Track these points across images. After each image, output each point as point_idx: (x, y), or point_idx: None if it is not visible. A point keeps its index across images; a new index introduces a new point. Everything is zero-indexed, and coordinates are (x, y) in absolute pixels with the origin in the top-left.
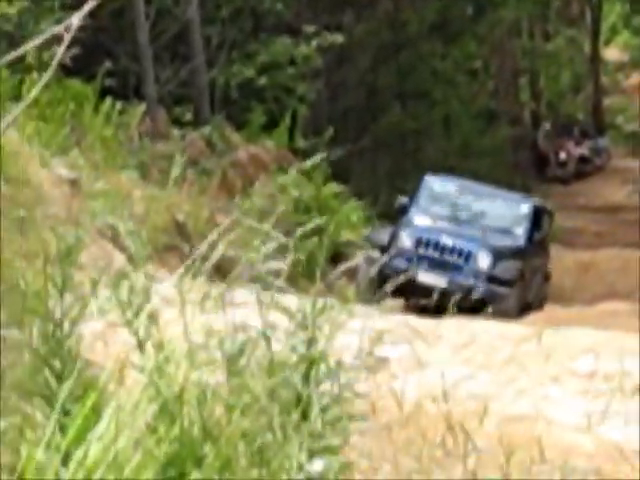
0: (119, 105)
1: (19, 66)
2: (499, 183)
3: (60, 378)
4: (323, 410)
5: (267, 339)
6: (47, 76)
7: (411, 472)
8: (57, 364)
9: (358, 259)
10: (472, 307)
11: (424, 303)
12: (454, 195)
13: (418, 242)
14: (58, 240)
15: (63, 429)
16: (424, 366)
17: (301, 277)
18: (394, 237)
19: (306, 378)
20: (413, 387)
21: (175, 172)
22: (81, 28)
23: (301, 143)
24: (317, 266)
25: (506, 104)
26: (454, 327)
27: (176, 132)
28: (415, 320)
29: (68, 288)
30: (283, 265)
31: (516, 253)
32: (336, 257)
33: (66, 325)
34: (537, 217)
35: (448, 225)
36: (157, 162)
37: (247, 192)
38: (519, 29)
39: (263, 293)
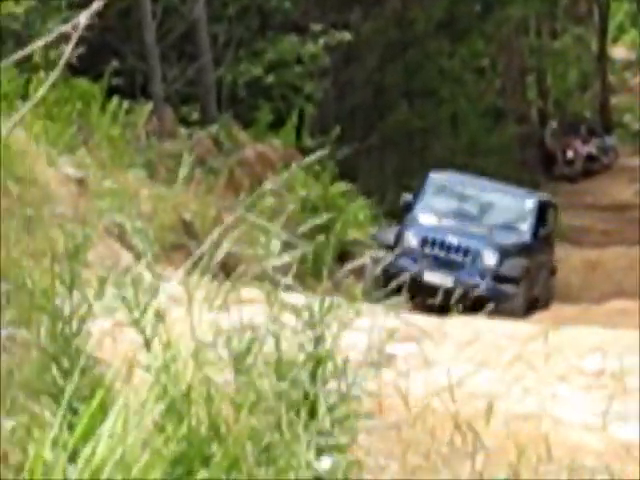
0: (126, 104)
1: (26, 65)
2: (506, 181)
3: (68, 376)
4: (330, 408)
5: (275, 338)
6: (54, 75)
7: (418, 471)
8: (65, 362)
9: (365, 258)
10: (473, 305)
11: (430, 302)
12: (459, 191)
13: (424, 241)
14: (66, 238)
15: (71, 428)
16: (431, 365)
17: (308, 276)
18: (399, 236)
19: (313, 376)
20: (420, 385)
21: (184, 171)
22: (88, 27)
23: (308, 142)
24: (324, 265)
25: (513, 102)
26: (460, 325)
27: (183, 131)
28: (421, 319)
29: (76, 286)
30: (289, 260)
31: (522, 250)
32: (343, 256)
33: (74, 323)
34: (542, 212)
35: (453, 223)
36: (164, 161)
37: (253, 190)
38: (527, 27)
39: (271, 291)
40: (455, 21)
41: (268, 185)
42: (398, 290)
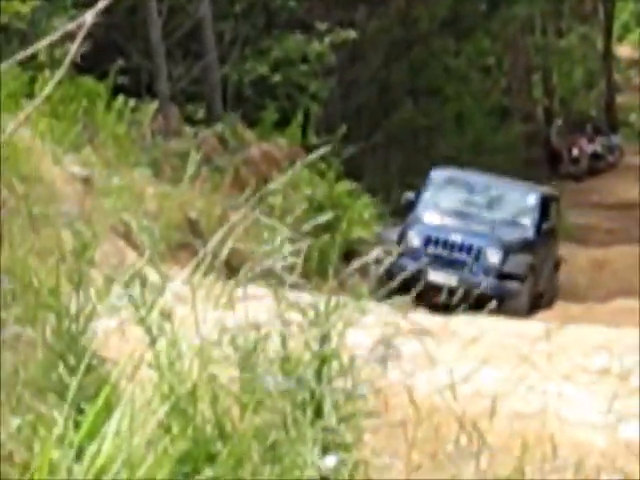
0: (131, 102)
1: (31, 64)
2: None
3: (74, 374)
4: (336, 407)
5: (281, 336)
6: (60, 73)
7: (424, 469)
8: (71, 360)
9: (371, 256)
10: (477, 304)
11: (435, 301)
12: (461, 188)
13: (427, 241)
14: (74, 237)
15: (77, 426)
16: (436, 363)
17: (314, 274)
18: (402, 236)
19: (319, 375)
20: (425, 384)
21: (190, 170)
22: (94, 25)
23: (314, 140)
24: (330, 263)
25: (519, 101)
26: (465, 324)
27: (189, 129)
28: (426, 317)
29: (83, 285)
30: (294, 256)
31: (525, 246)
32: (349, 254)
33: (81, 321)
34: (545, 206)
35: (456, 221)
36: (170, 159)
37: (259, 189)
38: (532, 26)
39: (277, 289)
40: (460, 19)
41: (273, 185)
42: (402, 289)
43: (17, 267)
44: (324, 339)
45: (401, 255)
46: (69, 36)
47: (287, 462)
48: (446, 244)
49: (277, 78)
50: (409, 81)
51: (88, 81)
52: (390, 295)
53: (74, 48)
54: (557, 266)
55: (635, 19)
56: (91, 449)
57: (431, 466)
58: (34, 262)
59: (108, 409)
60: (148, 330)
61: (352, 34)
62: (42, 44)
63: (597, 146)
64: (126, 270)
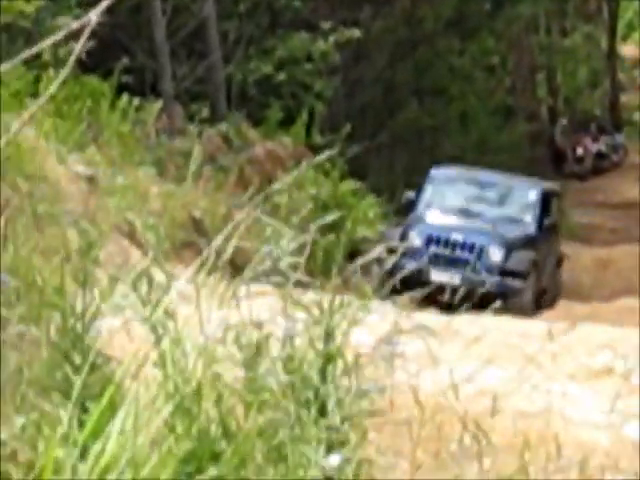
0: (136, 102)
1: (36, 63)
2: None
3: (80, 373)
4: (340, 406)
5: (285, 335)
6: (65, 72)
7: (428, 469)
8: (76, 359)
9: (374, 254)
10: (481, 302)
11: (438, 300)
12: (461, 186)
13: (428, 240)
14: (79, 236)
15: (81, 425)
16: (439, 363)
17: (319, 273)
18: (404, 236)
19: (323, 374)
20: (429, 383)
21: (192, 168)
22: (98, 25)
23: (318, 139)
24: (334, 262)
25: (523, 100)
26: (468, 323)
27: (193, 129)
28: (429, 316)
29: (88, 284)
30: (298, 255)
31: (527, 242)
32: (353, 254)
33: (86, 320)
34: (546, 202)
35: (457, 219)
36: (174, 159)
37: (263, 188)
38: (536, 25)
39: (282, 287)
40: (465, 19)
41: (279, 184)
42: (405, 288)
43: (21, 266)
44: (328, 338)
45: (403, 255)
46: (73, 35)
47: (291, 461)
48: (448, 243)
49: (281, 77)
50: (414, 80)
51: (92, 80)
52: (393, 294)
53: (78, 47)
54: (560, 262)
55: (639, 18)
56: (95, 448)
57: (435, 465)
58: (38, 261)
59: (112, 408)
60: (153, 329)
61: (357, 33)
62: (46, 43)
63: (601, 145)
64: (131, 269)
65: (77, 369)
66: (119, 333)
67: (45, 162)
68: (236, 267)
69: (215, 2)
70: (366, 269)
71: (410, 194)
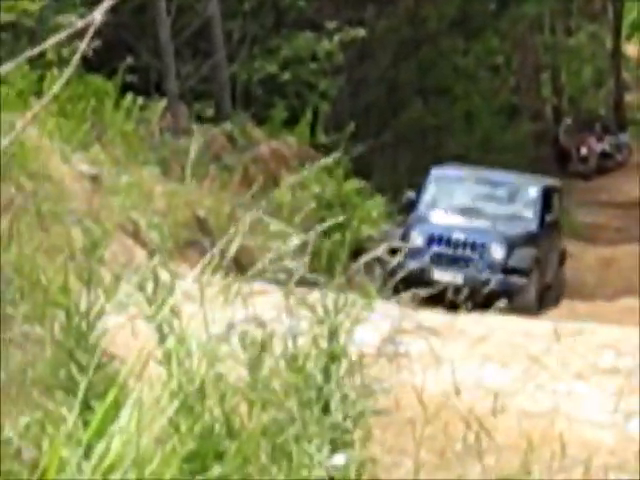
0: (140, 101)
1: (40, 62)
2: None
3: (84, 371)
4: (344, 404)
5: (289, 334)
6: (69, 71)
7: (432, 468)
8: (81, 358)
9: (377, 253)
10: (484, 301)
11: (442, 299)
12: (461, 185)
13: (430, 240)
14: (83, 235)
15: (85, 424)
16: (443, 362)
17: (323, 272)
18: (405, 236)
19: (327, 373)
20: (433, 382)
21: (190, 165)
22: (102, 24)
23: (323, 139)
24: (338, 261)
25: (528, 100)
26: (472, 323)
27: (197, 127)
28: (433, 316)
29: (92, 282)
30: (302, 262)
31: (529, 239)
32: (357, 253)
33: (90, 319)
34: (547, 198)
35: (458, 218)
36: (178, 158)
37: (267, 187)
38: (541, 25)
39: (285, 287)
40: (469, 19)
41: (285, 185)
42: (408, 288)
43: (26, 265)
44: (332, 337)
45: (405, 254)
46: (77, 34)
47: (295, 460)
48: (449, 242)
49: (286, 76)
50: (418, 80)
51: (97, 79)
52: (396, 294)
53: (83, 46)
54: (563, 259)
55: None
56: (100, 447)
57: (439, 464)
58: (43, 260)
59: (117, 407)
60: (158, 328)
61: (361, 33)
62: (50, 42)
63: (606, 145)
64: (135, 268)
65: (81, 368)
66: (122, 331)
67: (49, 161)
68: (241, 265)
69: (219, 1)
70: (369, 268)
71: (411, 194)
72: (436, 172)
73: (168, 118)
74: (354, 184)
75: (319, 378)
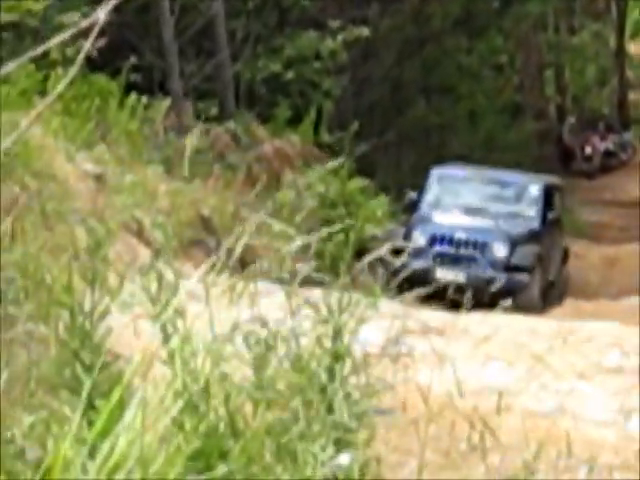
0: (144, 100)
1: (43, 61)
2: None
3: (89, 371)
4: (349, 404)
5: (293, 334)
6: (73, 71)
7: (437, 467)
8: (85, 357)
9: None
10: (490, 301)
11: (445, 298)
12: (463, 184)
13: (432, 239)
14: (87, 234)
15: (90, 423)
16: (449, 361)
17: (327, 271)
18: (407, 236)
19: (331, 372)
20: (438, 382)
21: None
22: (106, 23)
23: (326, 138)
24: (342, 260)
25: (531, 98)
26: (477, 321)
27: (201, 126)
28: (438, 315)
29: (96, 282)
30: (307, 264)
31: (532, 237)
32: (361, 252)
33: (94, 318)
34: (548, 196)
35: (460, 217)
36: (182, 157)
37: (271, 186)
38: (544, 23)
39: (289, 286)
40: (473, 17)
41: (288, 186)
42: (411, 287)
43: (30, 264)
44: (336, 336)
45: (408, 254)
46: (81, 34)
47: (300, 460)
48: (452, 241)
49: (290, 75)
50: (422, 79)
51: (101, 79)
52: (399, 293)
53: (87, 46)
54: (565, 257)
55: None
56: (104, 447)
57: (444, 464)
58: (47, 259)
59: (121, 407)
60: (162, 327)
61: (365, 32)
62: (55, 42)
63: (609, 143)
64: (140, 267)
65: (86, 367)
66: (127, 330)
67: (53, 160)
68: (246, 265)
69: (223, 1)
70: (373, 268)
71: (412, 194)
72: (437, 172)
73: (172, 117)
74: (358, 183)
75: (323, 378)
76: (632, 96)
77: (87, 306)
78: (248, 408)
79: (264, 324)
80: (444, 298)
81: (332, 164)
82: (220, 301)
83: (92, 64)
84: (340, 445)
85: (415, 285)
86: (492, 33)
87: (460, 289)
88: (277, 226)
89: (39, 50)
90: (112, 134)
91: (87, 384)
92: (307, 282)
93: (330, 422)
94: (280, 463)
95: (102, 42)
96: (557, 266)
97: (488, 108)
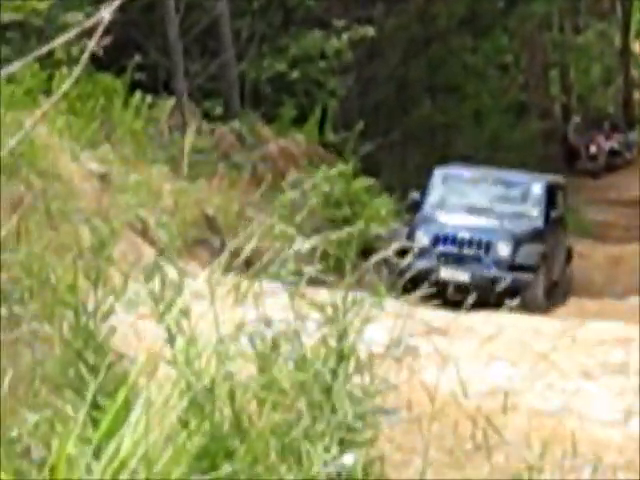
0: (149, 99)
1: (48, 61)
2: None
3: (93, 371)
4: (353, 403)
5: (298, 333)
6: (78, 70)
7: (442, 466)
8: (89, 357)
9: (385, 255)
10: (497, 300)
11: (450, 298)
12: (465, 184)
13: (435, 239)
14: (92, 233)
15: (95, 423)
16: (453, 360)
17: (332, 270)
18: (410, 236)
19: (336, 372)
20: (442, 381)
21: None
22: (111, 22)
23: (331, 137)
24: (347, 260)
25: (536, 98)
26: (483, 321)
27: (204, 125)
28: (443, 314)
29: (101, 281)
30: (313, 265)
31: (535, 236)
32: (366, 251)
33: (99, 318)
34: (551, 195)
35: (463, 217)
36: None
37: (276, 185)
38: (550, 23)
39: (294, 286)
40: (478, 17)
41: (293, 185)
42: (415, 287)
43: (35, 263)
44: (341, 335)
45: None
46: (86, 33)
47: (304, 459)
48: (455, 241)
49: (295, 75)
50: (427, 78)
51: (105, 78)
52: (405, 293)
53: (92, 45)
54: (569, 256)
55: None
56: (110, 447)
57: (449, 462)
58: (52, 258)
59: (126, 406)
60: (166, 327)
61: (370, 31)
62: (59, 41)
63: (614, 143)
64: (144, 267)
65: (89, 367)
66: (131, 330)
67: (58, 159)
68: (251, 264)
69: (228, 0)
70: (377, 267)
71: (415, 195)
72: (439, 172)
73: (177, 116)
74: (363, 182)
75: (328, 377)
76: (637, 95)
77: (91, 306)
78: (253, 407)
79: (269, 324)
80: (445, 297)
81: (339, 168)
82: (225, 301)
83: (97, 63)
84: (344, 445)
85: (419, 285)
86: (497, 33)
87: (461, 288)
88: (281, 227)
89: (44, 49)
90: (117, 133)
91: (91, 384)
92: (313, 282)
93: (334, 422)
94: (284, 463)
95: (107, 41)
96: (561, 265)
97: (493, 107)
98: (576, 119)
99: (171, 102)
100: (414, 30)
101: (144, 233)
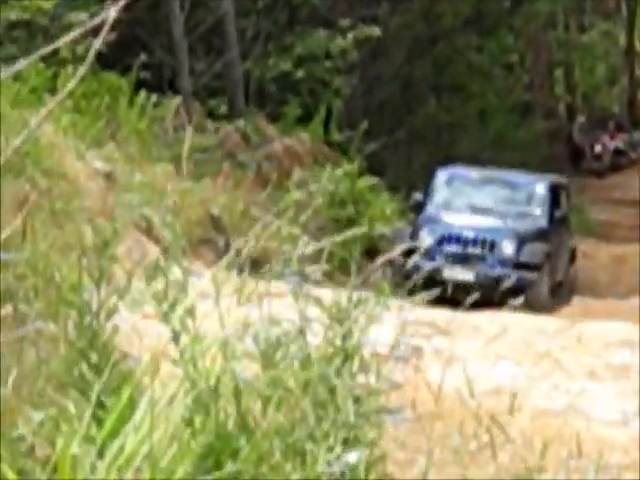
0: (154, 98)
1: (54, 59)
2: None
3: (97, 370)
4: (358, 403)
5: (303, 333)
6: (83, 69)
7: (446, 465)
8: (93, 356)
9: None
10: (500, 299)
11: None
12: (468, 184)
13: (440, 239)
14: (95, 232)
15: (99, 422)
16: (457, 359)
17: (336, 271)
18: (414, 236)
19: (340, 371)
20: (447, 381)
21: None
22: (116, 21)
23: (336, 136)
24: (352, 259)
25: (541, 97)
26: (487, 320)
27: (210, 124)
28: (447, 314)
29: (105, 280)
30: (318, 257)
31: (539, 235)
32: (370, 251)
33: (102, 317)
34: (555, 195)
35: (467, 217)
36: (192, 155)
37: (281, 184)
38: (555, 22)
39: (299, 286)
40: (483, 16)
41: (298, 185)
42: (420, 287)
43: (40, 262)
44: (346, 335)
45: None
46: (91, 32)
47: (309, 458)
48: (459, 240)
49: (300, 74)
50: (432, 77)
51: (111, 76)
52: (410, 293)
53: (97, 43)
54: (573, 256)
55: None
56: (114, 446)
57: (453, 462)
58: (56, 257)
59: (131, 405)
60: (171, 325)
61: (375, 30)
62: (65, 40)
63: (619, 142)
64: (148, 266)
65: (93, 366)
66: (137, 329)
67: (63, 158)
68: (255, 263)
69: None
70: (383, 267)
71: (418, 195)
72: (442, 173)
73: (182, 115)
74: (367, 181)
75: (332, 376)
76: None
77: (95, 305)
78: (257, 406)
79: (274, 323)
80: (447, 296)
81: (344, 167)
82: (230, 300)
83: (102, 61)
84: (348, 444)
85: (423, 284)
86: (502, 32)
87: (465, 287)
88: (286, 228)
89: (49, 48)
90: (122, 132)
91: (96, 384)
92: (318, 281)
93: (339, 421)
94: (289, 462)
95: (112, 37)
96: (565, 265)
97: (498, 107)
98: (581, 119)
99: (176, 101)
100: (419, 29)
101: (149, 232)
